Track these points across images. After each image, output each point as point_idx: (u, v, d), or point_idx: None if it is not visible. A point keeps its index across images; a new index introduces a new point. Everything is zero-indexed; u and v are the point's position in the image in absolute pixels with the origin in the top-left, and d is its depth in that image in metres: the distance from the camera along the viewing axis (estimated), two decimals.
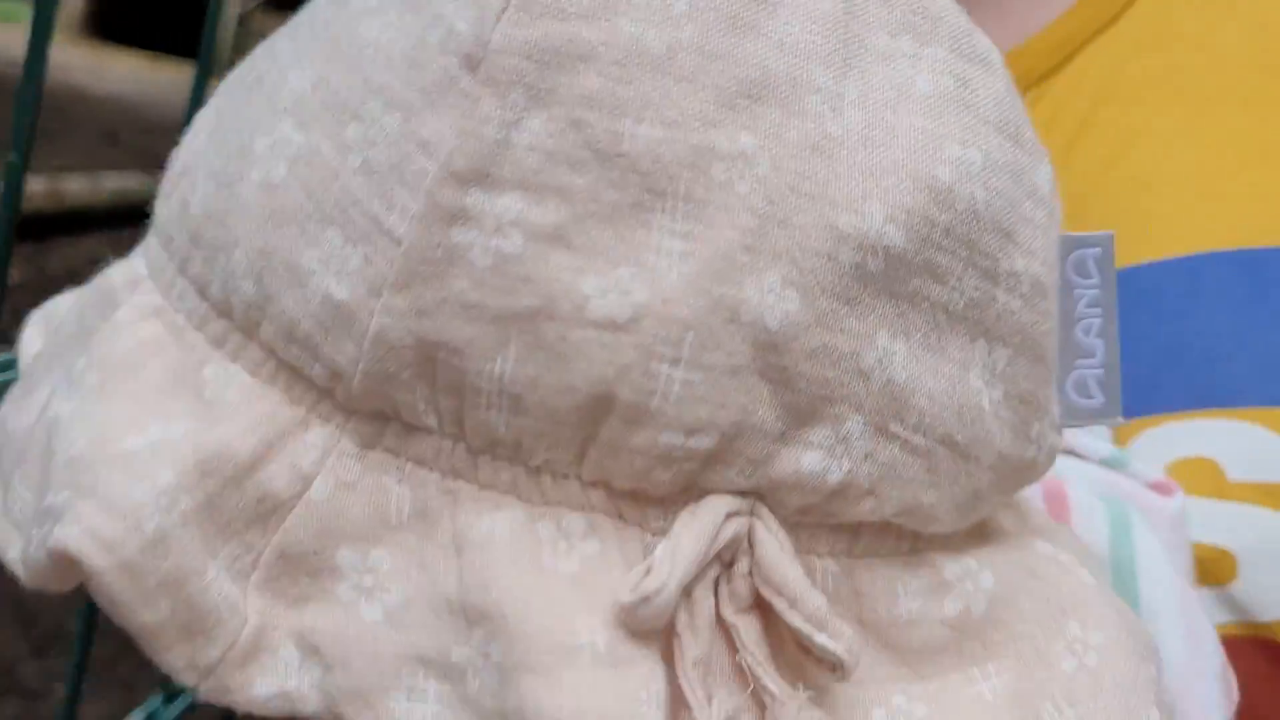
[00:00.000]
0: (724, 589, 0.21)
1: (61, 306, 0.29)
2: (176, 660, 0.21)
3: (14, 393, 0.26)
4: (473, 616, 0.20)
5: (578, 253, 0.20)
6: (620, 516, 0.22)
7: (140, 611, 0.20)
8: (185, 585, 0.20)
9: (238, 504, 0.21)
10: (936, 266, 0.22)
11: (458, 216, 0.21)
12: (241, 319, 0.23)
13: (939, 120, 0.22)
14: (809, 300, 0.21)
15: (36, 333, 0.29)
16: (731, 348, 0.21)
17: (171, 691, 0.66)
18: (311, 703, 0.21)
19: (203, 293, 0.24)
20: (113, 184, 2.71)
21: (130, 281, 0.25)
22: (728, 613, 0.21)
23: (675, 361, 0.20)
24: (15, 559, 0.22)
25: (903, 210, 0.21)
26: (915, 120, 0.22)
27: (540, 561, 0.21)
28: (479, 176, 0.21)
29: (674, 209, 0.20)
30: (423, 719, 0.20)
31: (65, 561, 0.20)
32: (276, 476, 0.21)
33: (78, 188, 2.66)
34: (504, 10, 0.21)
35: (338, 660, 0.21)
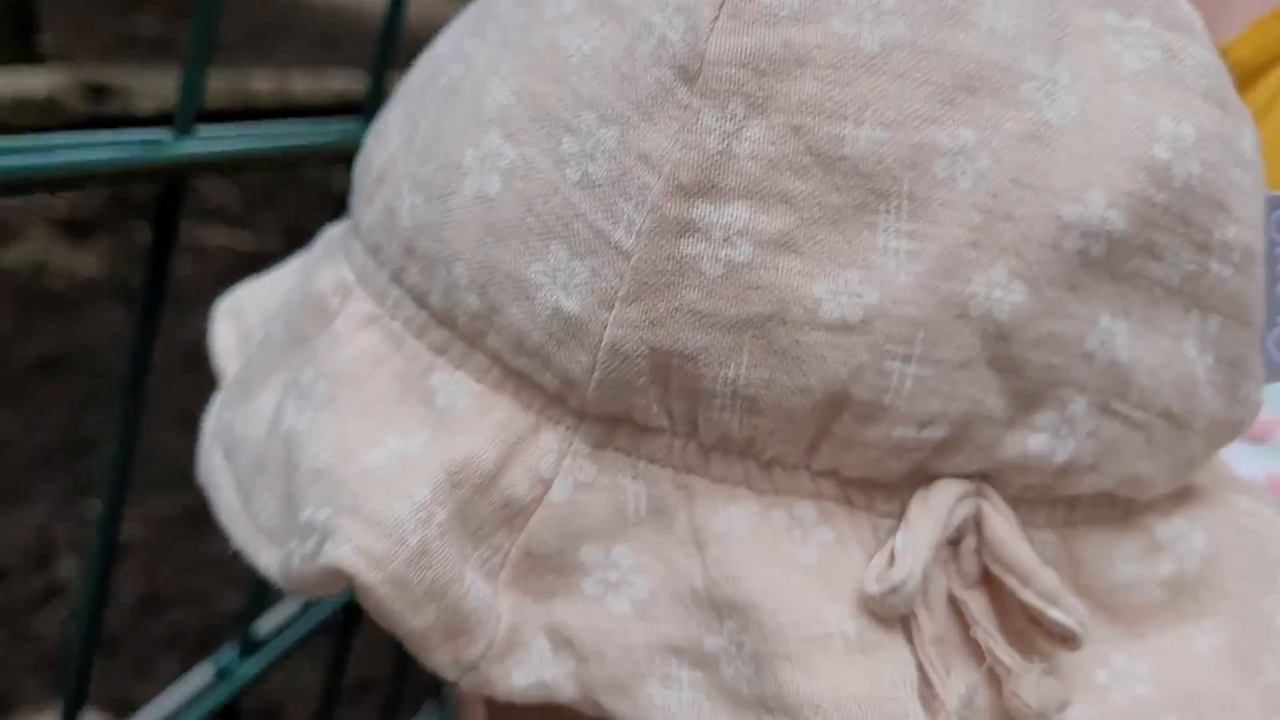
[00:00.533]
0: (951, 567, 0.22)
1: (249, 301, 0.30)
2: (442, 659, 0.21)
3: (229, 395, 0.27)
4: (723, 609, 0.21)
5: (806, 258, 0.20)
6: (849, 502, 0.22)
7: (409, 620, 0.21)
8: (447, 592, 0.21)
9: (485, 511, 0.22)
10: (1155, 245, 0.22)
11: (686, 229, 0.21)
12: (465, 329, 0.23)
13: (1150, 97, 0.22)
14: (1035, 291, 0.21)
15: (228, 328, 0.30)
16: (961, 342, 0.21)
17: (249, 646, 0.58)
18: (568, 691, 0.22)
19: (421, 302, 0.24)
20: (337, 84, 2.75)
21: (340, 287, 0.25)
22: (956, 589, 0.22)
23: (907, 359, 0.21)
24: (269, 564, 0.24)
25: (1124, 194, 0.21)
26: (1128, 99, 0.22)
27: (778, 552, 0.21)
28: (704, 188, 0.21)
29: (899, 209, 0.20)
30: (679, 705, 0.21)
31: (337, 577, 0.21)
32: (517, 482, 0.22)
33: (303, 86, 2.71)
34: (715, 19, 0.21)
35: (591, 652, 0.21)
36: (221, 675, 0.42)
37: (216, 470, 0.26)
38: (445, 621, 0.21)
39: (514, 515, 0.22)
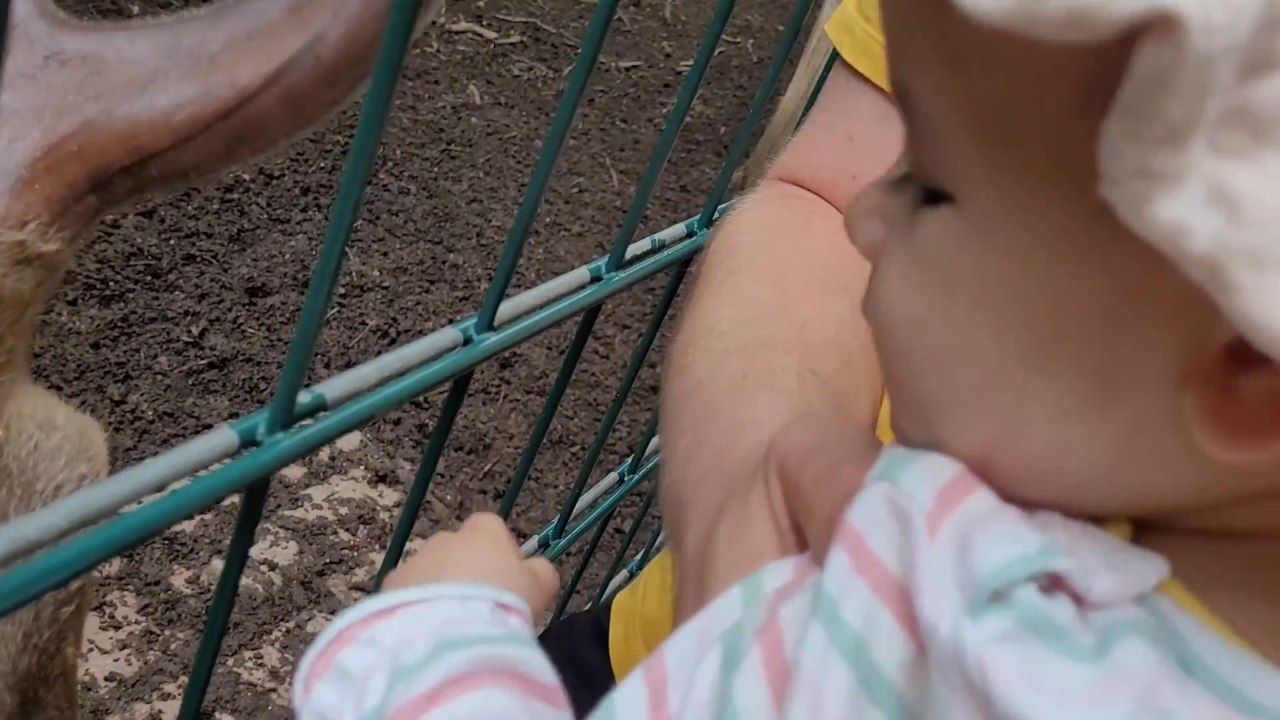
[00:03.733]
0: None
1: None
2: (1134, 153, 0.20)
3: None
4: None
5: None
6: None
7: (1167, 100, 0.19)
8: (1204, 98, 0.19)
9: (1254, 47, 0.20)
10: None
11: None
12: None
13: None
14: None
15: None
16: None
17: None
18: (1199, 243, 0.21)
19: None
20: None
21: None
22: None
23: None
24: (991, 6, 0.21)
25: None
26: None
27: None
28: None
29: None
30: None
31: (1143, 22, 0.19)
32: None
33: None
34: None
35: (1251, 219, 0.20)
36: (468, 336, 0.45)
37: None
38: (1174, 121, 0.20)
39: (1264, 65, 0.20)
